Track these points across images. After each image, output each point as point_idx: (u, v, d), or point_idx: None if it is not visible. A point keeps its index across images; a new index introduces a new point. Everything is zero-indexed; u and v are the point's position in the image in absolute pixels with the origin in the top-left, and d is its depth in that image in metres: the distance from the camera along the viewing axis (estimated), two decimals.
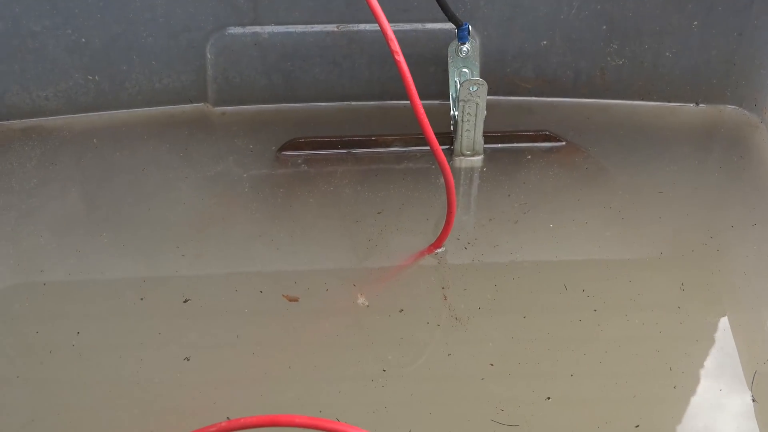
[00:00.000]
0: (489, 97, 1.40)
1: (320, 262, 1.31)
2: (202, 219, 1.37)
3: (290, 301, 1.24)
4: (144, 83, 1.53)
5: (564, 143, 1.50)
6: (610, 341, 1.19)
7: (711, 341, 1.21)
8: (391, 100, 1.57)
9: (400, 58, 1.15)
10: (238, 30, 1.49)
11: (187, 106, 1.56)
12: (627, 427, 1.09)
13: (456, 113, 1.42)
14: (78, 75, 1.50)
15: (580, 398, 1.13)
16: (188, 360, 1.18)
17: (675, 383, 1.15)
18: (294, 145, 1.48)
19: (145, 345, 1.20)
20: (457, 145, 1.45)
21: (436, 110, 1.43)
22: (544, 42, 1.52)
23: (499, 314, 1.23)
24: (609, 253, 1.32)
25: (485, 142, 1.46)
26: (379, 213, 1.38)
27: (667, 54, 1.53)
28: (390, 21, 1.14)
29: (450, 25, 1.43)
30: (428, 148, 1.37)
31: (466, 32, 1.42)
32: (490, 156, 1.47)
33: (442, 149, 1.24)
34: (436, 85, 1.52)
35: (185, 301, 1.25)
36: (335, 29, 1.49)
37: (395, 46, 1.14)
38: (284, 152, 1.48)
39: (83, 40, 1.47)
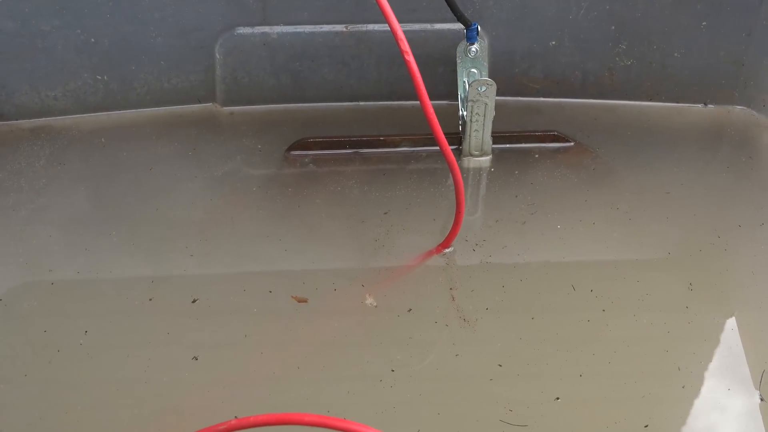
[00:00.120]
0: (497, 98, 1.39)
1: (328, 262, 1.31)
2: (210, 219, 1.37)
3: (299, 302, 1.24)
4: (153, 83, 1.53)
5: (572, 144, 1.50)
6: (619, 341, 1.19)
7: (719, 341, 1.21)
8: (399, 100, 1.57)
9: (410, 58, 1.15)
10: (247, 30, 1.49)
11: (196, 106, 1.56)
12: (636, 427, 1.09)
13: (464, 113, 1.42)
14: (87, 75, 1.51)
15: (589, 398, 1.13)
16: (196, 359, 1.18)
17: (683, 383, 1.15)
18: (302, 145, 1.48)
19: (153, 344, 1.20)
20: (465, 145, 1.45)
21: (444, 110, 1.44)
22: (553, 42, 1.52)
23: (507, 315, 1.23)
24: (617, 254, 1.32)
25: (493, 143, 1.46)
26: (385, 213, 1.38)
27: (676, 54, 1.53)
28: (399, 21, 1.14)
29: (459, 26, 1.43)
30: (436, 148, 1.38)
31: (475, 32, 1.42)
32: (498, 156, 1.47)
33: (451, 149, 1.24)
34: (444, 86, 1.53)
35: (193, 301, 1.25)
36: (344, 29, 1.49)
37: (405, 46, 1.14)
38: (292, 152, 1.48)
39: (92, 39, 1.47)
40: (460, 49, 1.44)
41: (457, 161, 1.43)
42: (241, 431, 0.95)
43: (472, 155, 1.46)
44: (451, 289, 1.27)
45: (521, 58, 1.54)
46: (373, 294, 1.25)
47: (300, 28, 1.49)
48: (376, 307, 1.24)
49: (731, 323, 1.23)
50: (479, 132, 1.43)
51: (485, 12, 1.48)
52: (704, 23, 1.50)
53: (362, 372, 1.16)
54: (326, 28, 1.49)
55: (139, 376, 1.16)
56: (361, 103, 1.58)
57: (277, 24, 1.49)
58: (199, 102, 1.56)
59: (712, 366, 1.17)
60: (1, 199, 1.39)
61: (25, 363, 1.18)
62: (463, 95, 1.44)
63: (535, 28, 1.51)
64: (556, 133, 1.50)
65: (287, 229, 1.36)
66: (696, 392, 1.15)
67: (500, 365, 1.16)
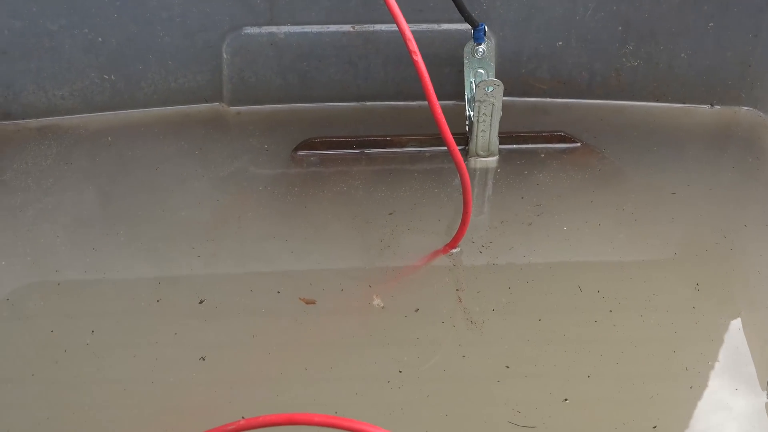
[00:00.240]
0: (504, 98, 1.39)
1: (334, 263, 1.31)
2: (217, 218, 1.37)
3: (307, 303, 1.24)
4: (159, 83, 1.53)
5: (579, 144, 1.50)
6: (626, 342, 1.19)
7: (726, 341, 1.21)
8: (406, 100, 1.57)
9: (418, 58, 1.15)
10: (255, 30, 1.49)
11: (203, 106, 1.56)
12: (644, 427, 1.09)
13: (471, 114, 1.42)
14: (94, 74, 1.51)
15: (597, 399, 1.13)
16: (204, 360, 1.18)
17: (691, 383, 1.15)
18: (309, 144, 1.48)
19: (160, 344, 1.20)
20: (472, 146, 1.45)
21: (451, 111, 1.43)
22: (560, 43, 1.52)
23: (514, 316, 1.23)
24: (623, 255, 1.32)
25: (500, 143, 1.46)
26: (390, 214, 1.38)
27: (682, 55, 1.53)
28: (406, 21, 1.14)
29: (465, 26, 1.43)
30: (442, 148, 1.38)
31: (482, 33, 1.42)
32: (504, 157, 1.47)
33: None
34: (450, 86, 1.53)
35: (201, 302, 1.25)
36: (351, 29, 1.49)
37: (413, 46, 1.14)
38: (299, 152, 1.48)
39: (100, 39, 1.47)
40: (467, 49, 1.44)
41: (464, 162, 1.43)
42: (249, 431, 0.95)
43: (478, 156, 1.46)
44: (457, 290, 1.27)
45: (528, 59, 1.54)
46: (380, 294, 1.25)
47: (307, 28, 1.49)
48: (383, 308, 1.24)
49: (738, 323, 1.23)
50: (486, 132, 1.43)
51: (492, 12, 1.48)
52: (711, 24, 1.49)
53: (370, 373, 1.16)
54: (333, 28, 1.49)
55: (146, 376, 1.16)
56: (368, 103, 1.58)
57: (285, 24, 1.49)
58: (206, 102, 1.56)
59: (719, 366, 1.18)
60: (8, 199, 1.39)
61: (31, 363, 1.18)
62: (470, 95, 1.44)
63: (542, 29, 1.51)
64: (562, 134, 1.50)
65: (294, 230, 1.36)
66: (704, 393, 1.15)
67: (508, 366, 1.16)
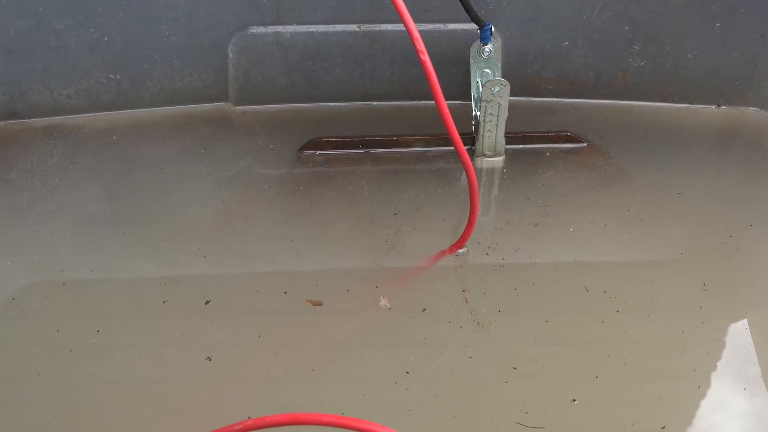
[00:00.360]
0: (510, 98, 1.39)
1: (340, 263, 1.31)
2: (223, 218, 1.37)
3: (314, 305, 1.24)
4: (165, 82, 1.53)
5: (585, 144, 1.50)
6: (633, 342, 1.19)
7: (733, 341, 1.20)
8: (412, 100, 1.57)
9: (426, 57, 1.15)
10: (261, 29, 1.49)
11: (209, 105, 1.56)
12: (653, 428, 1.09)
13: (478, 114, 1.42)
14: (100, 73, 1.51)
15: (605, 400, 1.13)
16: (210, 360, 1.17)
17: (699, 384, 1.15)
18: (315, 144, 1.48)
19: (166, 344, 1.20)
20: (478, 146, 1.45)
21: (457, 110, 1.42)
22: (566, 43, 1.52)
23: (521, 318, 1.23)
24: (630, 255, 1.32)
25: (506, 143, 1.46)
26: (395, 214, 1.38)
27: (689, 55, 1.53)
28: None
29: (472, 26, 1.43)
30: (448, 148, 1.38)
31: (489, 33, 1.41)
32: (511, 157, 1.47)
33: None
34: (456, 86, 1.52)
35: (207, 302, 1.24)
36: (357, 29, 1.49)
37: (420, 45, 1.14)
38: (305, 152, 1.48)
39: (105, 38, 1.47)
40: (473, 49, 1.44)
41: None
42: (256, 431, 0.95)
43: (485, 156, 1.46)
44: (464, 290, 1.27)
45: (534, 59, 1.54)
46: (387, 295, 1.25)
47: (313, 28, 1.49)
48: (390, 308, 1.24)
49: (746, 323, 1.23)
50: (492, 132, 1.43)
51: (499, 12, 1.48)
52: (718, 24, 1.49)
53: (377, 374, 1.16)
54: (339, 27, 1.49)
55: (152, 376, 1.16)
56: (374, 103, 1.58)
57: (291, 23, 1.49)
58: (212, 101, 1.56)
59: (727, 366, 1.17)
60: (14, 198, 1.39)
61: (37, 362, 1.18)
62: (476, 95, 1.44)
63: (549, 29, 1.51)
64: (569, 134, 1.50)
65: (299, 230, 1.35)
66: (712, 393, 1.14)
67: (515, 368, 1.16)
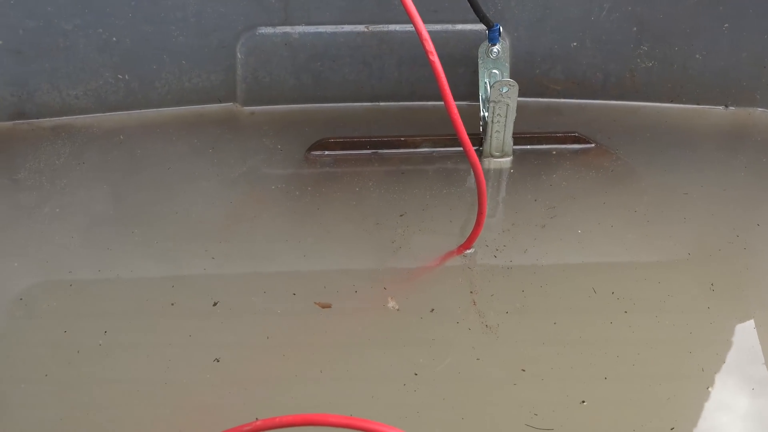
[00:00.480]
0: (518, 99, 1.39)
1: (347, 264, 1.31)
2: (231, 219, 1.37)
3: (323, 308, 1.24)
4: (173, 82, 1.53)
5: (593, 145, 1.49)
6: (642, 343, 1.19)
7: (742, 341, 1.20)
8: (420, 101, 1.57)
9: (435, 58, 1.15)
10: (269, 30, 1.49)
11: (217, 106, 1.56)
12: (662, 429, 1.09)
13: (486, 114, 1.42)
14: (108, 74, 1.51)
15: (615, 401, 1.13)
16: (218, 361, 1.17)
17: (707, 384, 1.15)
18: (323, 145, 1.48)
19: (174, 345, 1.20)
20: (486, 147, 1.45)
21: (465, 111, 1.42)
22: (574, 44, 1.52)
23: (529, 319, 1.23)
24: (637, 256, 1.32)
25: (514, 144, 1.46)
26: (401, 216, 1.38)
27: (697, 56, 1.53)
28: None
29: (479, 26, 1.43)
30: (456, 149, 1.38)
31: (497, 33, 1.41)
32: (518, 157, 1.47)
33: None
34: (465, 86, 1.52)
35: (214, 304, 1.24)
36: (365, 30, 1.49)
37: (430, 46, 1.14)
38: (313, 152, 1.48)
39: (114, 39, 1.47)
40: (481, 50, 1.44)
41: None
42: None
43: (493, 156, 1.46)
44: (471, 292, 1.27)
45: (542, 59, 1.54)
46: (395, 296, 1.25)
47: (321, 28, 1.49)
48: (398, 310, 1.23)
49: (754, 323, 1.22)
50: (500, 133, 1.43)
51: (507, 13, 1.48)
52: (726, 25, 1.49)
53: (385, 375, 1.16)
54: (348, 28, 1.49)
55: (160, 377, 1.16)
56: (382, 104, 1.57)
57: (299, 24, 1.49)
58: (220, 102, 1.56)
59: (735, 367, 1.17)
60: (22, 198, 1.40)
61: (44, 363, 1.18)
62: (484, 96, 1.44)
63: (557, 30, 1.51)
64: (576, 135, 1.50)
65: (307, 230, 1.35)
66: (720, 393, 1.14)
67: (523, 369, 1.16)
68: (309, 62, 1.52)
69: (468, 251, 1.32)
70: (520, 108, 1.41)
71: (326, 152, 1.48)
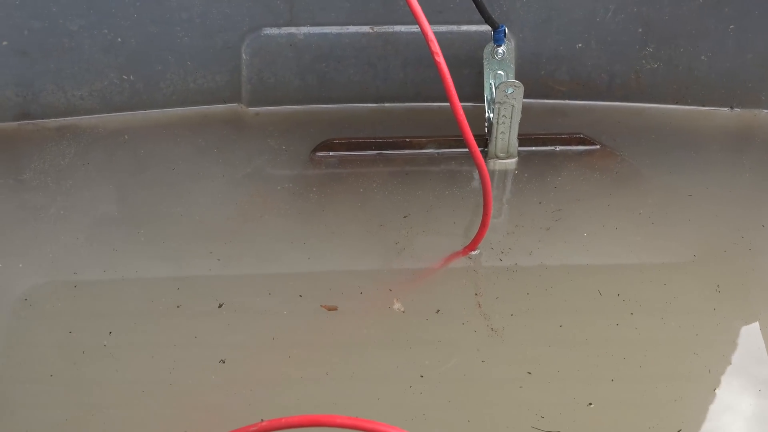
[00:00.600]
0: (523, 100, 1.39)
1: (352, 266, 1.31)
2: (235, 220, 1.37)
3: (329, 310, 1.24)
4: (178, 83, 1.53)
5: (598, 146, 1.49)
6: (648, 345, 1.19)
7: (747, 342, 1.21)
8: (425, 102, 1.56)
9: (441, 59, 1.15)
10: (274, 31, 1.49)
11: (221, 107, 1.56)
12: (669, 431, 1.09)
13: (491, 115, 1.42)
14: (113, 74, 1.50)
15: (622, 403, 1.13)
16: (223, 362, 1.17)
17: (714, 386, 1.15)
18: (328, 146, 1.48)
19: (179, 347, 1.20)
20: (491, 148, 1.45)
21: (469, 112, 1.41)
22: (579, 45, 1.52)
23: (535, 322, 1.23)
24: (642, 257, 1.32)
25: (519, 145, 1.46)
26: (405, 217, 1.38)
27: (703, 57, 1.53)
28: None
29: (485, 27, 1.43)
30: (461, 150, 1.38)
31: (503, 34, 1.41)
32: (523, 159, 1.47)
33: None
34: (469, 87, 1.52)
35: (220, 305, 1.24)
36: (370, 30, 1.49)
37: (435, 47, 1.14)
38: (318, 153, 1.48)
39: (119, 39, 1.47)
40: (486, 51, 1.44)
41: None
42: None
43: (498, 158, 1.46)
44: (476, 294, 1.27)
45: (547, 61, 1.54)
46: (400, 297, 1.25)
47: (326, 29, 1.49)
48: (403, 312, 1.23)
49: (759, 324, 1.23)
50: (505, 134, 1.43)
51: (512, 14, 1.48)
52: (732, 26, 1.49)
53: (391, 377, 1.16)
54: (353, 29, 1.49)
55: (165, 378, 1.16)
56: (387, 105, 1.57)
57: (304, 25, 1.48)
58: (225, 102, 1.56)
59: (741, 368, 1.18)
60: (27, 198, 1.39)
61: (50, 363, 1.18)
62: (489, 97, 1.44)
63: (562, 31, 1.50)
64: (581, 136, 1.49)
65: (311, 231, 1.35)
66: (727, 395, 1.15)
67: (529, 372, 1.16)
68: (314, 63, 1.52)
69: (473, 252, 1.32)
70: (525, 109, 1.41)
71: (331, 153, 1.48)
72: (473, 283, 1.29)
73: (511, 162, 1.46)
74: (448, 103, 1.19)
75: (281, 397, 1.15)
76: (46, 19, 1.43)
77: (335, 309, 1.24)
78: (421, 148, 1.48)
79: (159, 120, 1.54)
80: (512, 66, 1.45)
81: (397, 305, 1.24)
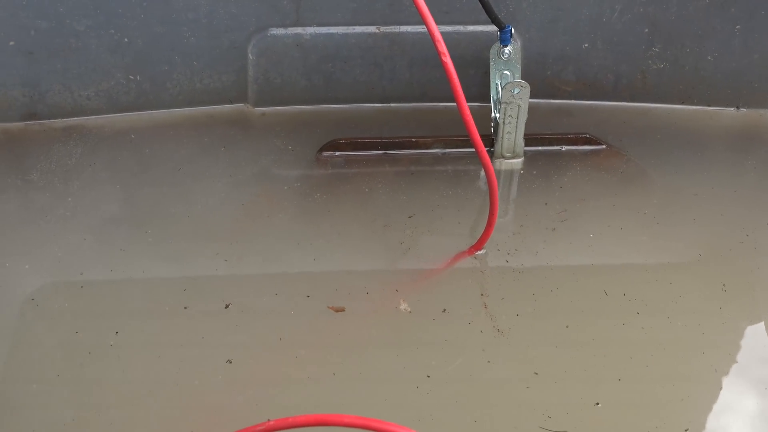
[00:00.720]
0: (529, 100, 1.39)
1: (359, 266, 1.31)
2: (242, 220, 1.37)
3: (336, 311, 1.24)
4: (185, 83, 1.53)
5: (604, 146, 1.49)
6: (654, 344, 1.19)
7: (754, 341, 1.21)
8: (431, 102, 1.56)
9: (447, 59, 1.15)
10: (280, 31, 1.49)
11: (228, 107, 1.56)
12: (677, 430, 1.09)
13: (497, 115, 1.42)
14: (120, 75, 1.50)
15: (629, 402, 1.13)
16: (230, 362, 1.17)
17: (720, 385, 1.15)
18: (334, 146, 1.48)
19: (185, 347, 1.20)
20: (497, 148, 1.45)
21: (475, 112, 1.41)
22: (586, 45, 1.52)
23: (541, 322, 1.23)
24: (648, 257, 1.32)
25: (525, 145, 1.46)
26: (410, 217, 1.38)
27: (709, 57, 1.53)
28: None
29: (491, 28, 1.43)
30: (467, 150, 1.38)
31: (509, 34, 1.41)
32: (529, 158, 1.47)
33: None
34: (476, 88, 1.52)
35: (226, 306, 1.24)
36: (376, 31, 1.49)
37: (442, 47, 1.14)
38: (324, 153, 1.48)
39: (126, 39, 1.47)
40: (493, 51, 1.44)
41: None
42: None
43: (504, 157, 1.46)
44: (482, 295, 1.26)
45: (553, 61, 1.54)
46: (407, 297, 1.25)
47: (333, 29, 1.49)
48: (410, 312, 1.23)
49: (765, 323, 1.23)
50: (512, 134, 1.43)
51: (519, 14, 1.48)
52: (738, 26, 1.49)
53: (398, 377, 1.16)
54: (359, 29, 1.49)
55: (171, 379, 1.16)
56: (393, 105, 1.57)
57: (310, 25, 1.48)
58: (231, 102, 1.56)
59: (748, 367, 1.18)
60: (34, 198, 1.40)
61: (56, 363, 1.18)
62: (495, 97, 1.44)
63: (568, 31, 1.50)
64: (587, 136, 1.49)
65: (318, 232, 1.35)
66: (734, 394, 1.15)
67: (536, 373, 1.16)
68: (320, 63, 1.52)
69: (479, 252, 1.32)
70: (531, 109, 1.41)
71: (337, 153, 1.48)
72: (479, 283, 1.29)
73: (518, 162, 1.46)
74: (454, 103, 1.19)
75: (288, 397, 1.15)
76: (53, 20, 1.43)
77: (342, 310, 1.24)
78: (427, 148, 1.48)
79: (165, 120, 1.54)
80: (518, 66, 1.45)
81: (403, 305, 1.24)
